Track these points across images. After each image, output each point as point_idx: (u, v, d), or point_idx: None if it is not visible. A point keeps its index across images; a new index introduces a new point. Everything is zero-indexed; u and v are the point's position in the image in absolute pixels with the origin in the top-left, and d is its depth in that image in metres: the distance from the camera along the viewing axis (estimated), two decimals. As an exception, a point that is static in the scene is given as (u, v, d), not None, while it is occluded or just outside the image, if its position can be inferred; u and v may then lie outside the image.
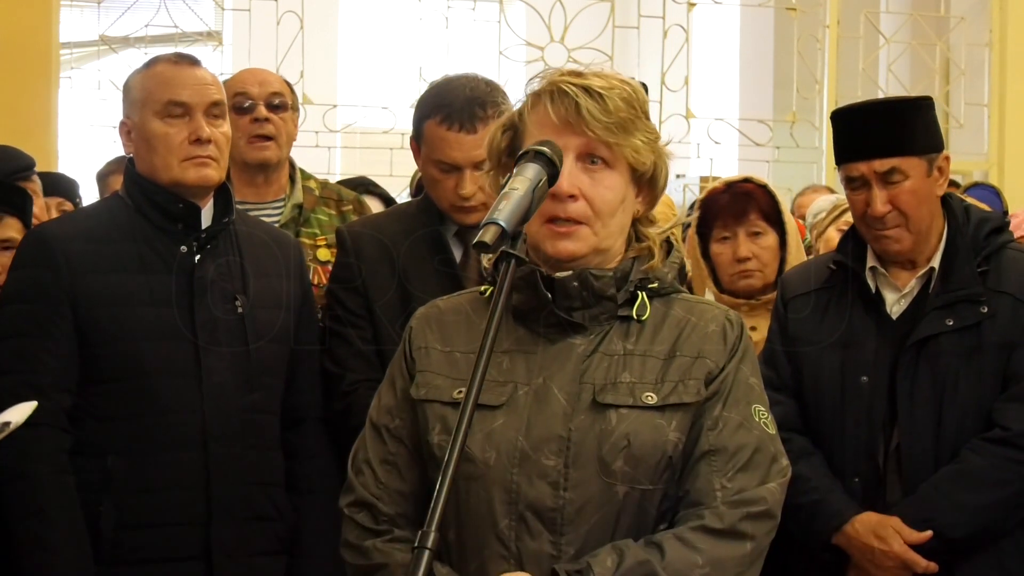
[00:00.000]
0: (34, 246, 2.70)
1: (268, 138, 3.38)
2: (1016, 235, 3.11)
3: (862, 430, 2.79)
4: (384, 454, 2.01)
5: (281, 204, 3.42)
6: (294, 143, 3.52)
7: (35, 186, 3.49)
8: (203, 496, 2.64)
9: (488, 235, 1.69)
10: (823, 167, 6.83)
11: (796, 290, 2.95)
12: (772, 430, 1.97)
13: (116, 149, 4.28)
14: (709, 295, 3.29)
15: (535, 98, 1.96)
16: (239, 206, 2.91)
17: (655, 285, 1.99)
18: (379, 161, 6.22)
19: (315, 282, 3.18)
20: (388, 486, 2.00)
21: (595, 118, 1.90)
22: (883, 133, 2.78)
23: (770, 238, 3.27)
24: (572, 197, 1.91)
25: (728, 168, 6.70)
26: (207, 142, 2.68)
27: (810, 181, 6.65)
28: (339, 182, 4.15)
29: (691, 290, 3.02)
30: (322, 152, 6.21)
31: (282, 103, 3.45)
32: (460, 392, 1.92)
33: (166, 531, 2.63)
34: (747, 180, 3.36)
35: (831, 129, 2.94)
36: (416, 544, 1.57)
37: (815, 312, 2.89)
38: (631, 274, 1.98)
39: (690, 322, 1.98)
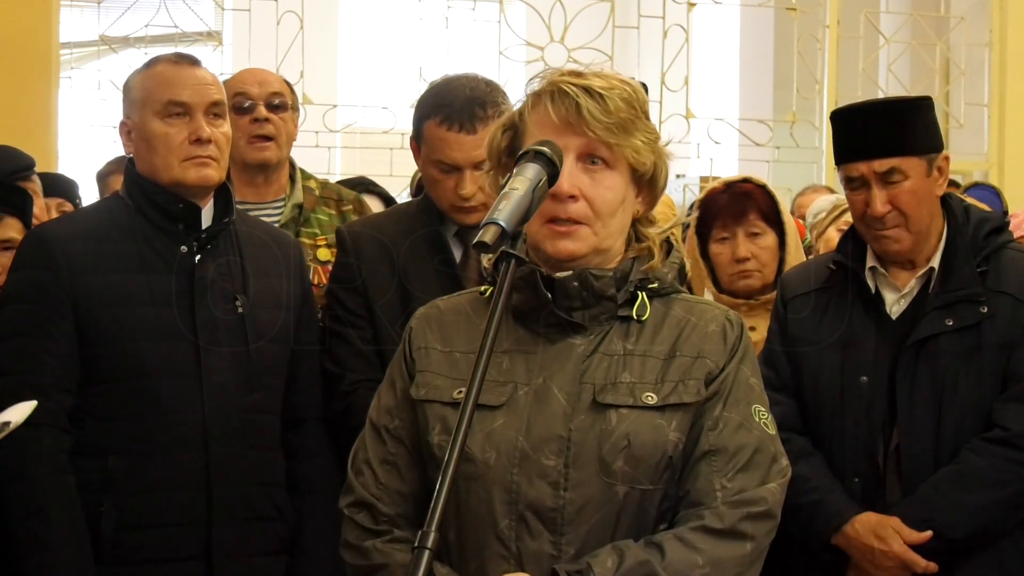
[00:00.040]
0: (34, 246, 2.70)
1: (268, 138, 3.38)
2: (1016, 235, 3.11)
3: (862, 430, 2.79)
4: (384, 454, 2.01)
5: (281, 204, 3.42)
6: (294, 143, 3.52)
7: (35, 186, 3.49)
8: (203, 496, 2.64)
9: (488, 235, 1.69)
10: (823, 167, 6.82)
11: (796, 290, 2.95)
12: (772, 430, 1.97)
13: (116, 149, 4.28)
14: (708, 295, 3.29)
15: (535, 98, 1.96)
16: (239, 206, 2.91)
17: (655, 285, 1.99)
18: (379, 161, 6.21)
19: (315, 282, 3.17)
20: (388, 486, 1.99)
21: (595, 118, 1.90)
22: (883, 133, 2.78)
23: (769, 238, 3.27)
24: (572, 197, 1.91)
25: (728, 168, 6.69)
26: (207, 142, 2.68)
27: (810, 181, 6.65)
28: (339, 182, 4.14)
29: (691, 290, 3.02)
30: (322, 152, 6.20)
31: (282, 103, 3.45)
32: (460, 392, 1.92)
33: (166, 531, 2.63)
34: (746, 180, 3.36)
35: (831, 129, 2.94)
36: (416, 544, 1.57)
37: (815, 312, 2.89)
38: (631, 274, 1.98)
39: (690, 322, 1.98)
